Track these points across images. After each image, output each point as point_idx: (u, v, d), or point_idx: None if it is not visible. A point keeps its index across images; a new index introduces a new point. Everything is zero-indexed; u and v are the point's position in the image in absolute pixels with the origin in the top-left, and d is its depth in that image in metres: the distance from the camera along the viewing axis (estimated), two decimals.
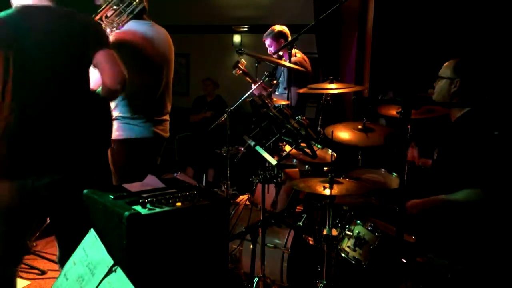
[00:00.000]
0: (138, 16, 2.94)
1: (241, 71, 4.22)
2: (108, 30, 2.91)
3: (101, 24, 2.31)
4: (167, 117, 3.10)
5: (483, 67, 2.54)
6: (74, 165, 2.26)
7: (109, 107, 2.44)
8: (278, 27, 4.43)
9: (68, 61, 2.21)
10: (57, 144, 2.21)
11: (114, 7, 2.87)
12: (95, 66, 2.23)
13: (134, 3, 2.89)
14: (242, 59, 4.24)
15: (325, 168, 3.26)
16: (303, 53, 4.52)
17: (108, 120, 2.39)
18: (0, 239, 2.30)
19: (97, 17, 2.82)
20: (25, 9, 2.22)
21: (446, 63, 2.59)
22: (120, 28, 2.90)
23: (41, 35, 2.16)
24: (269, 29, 4.45)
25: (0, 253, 2.30)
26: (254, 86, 3.82)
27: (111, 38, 2.87)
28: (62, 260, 2.39)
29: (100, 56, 2.19)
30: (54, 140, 2.20)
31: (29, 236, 2.45)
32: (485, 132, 2.42)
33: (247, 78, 4.35)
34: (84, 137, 2.28)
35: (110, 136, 2.41)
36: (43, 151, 2.20)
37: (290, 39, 4.37)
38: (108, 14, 2.90)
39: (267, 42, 4.46)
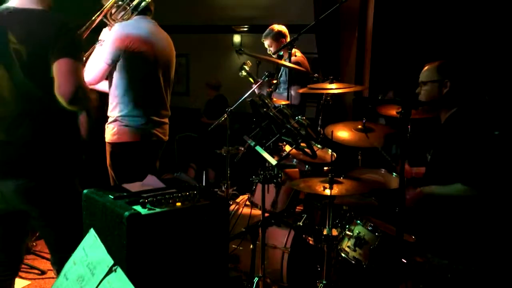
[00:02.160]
0: (141, 14, 2.94)
1: (246, 73, 4.16)
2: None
3: (78, 31, 2.24)
4: (166, 120, 3.08)
5: (471, 66, 2.58)
6: (40, 169, 2.21)
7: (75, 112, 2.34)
8: (277, 27, 4.43)
9: (39, 67, 2.14)
10: (25, 150, 2.17)
11: (119, 2, 2.87)
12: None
13: None
14: (248, 61, 4.18)
15: (325, 168, 3.26)
16: (303, 53, 4.52)
17: (74, 123, 2.34)
18: None
19: (102, 15, 2.81)
20: (7, 12, 2.18)
21: (426, 68, 2.64)
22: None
23: (18, 40, 2.12)
24: (268, 29, 4.45)
25: None
26: (254, 86, 3.82)
27: (113, 30, 2.86)
28: (55, 264, 2.39)
29: (57, 66, 2.09)
30: (21, 146, 2.17)
31: (21, 243, 2.44)
32: (475, 130, 2.43)
33: (250, 79, 4.31)
34: (50, 141, 2.22)
35: (78, 142, 2.36)
36: (10, 157, 2.18)
37: (289, 38, 4.38)
38: (113, 11, 2.90)
39: (267, 42, 4.45)
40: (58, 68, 2.09)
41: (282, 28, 4.42)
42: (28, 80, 2.14)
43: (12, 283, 2.43)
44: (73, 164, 2.32)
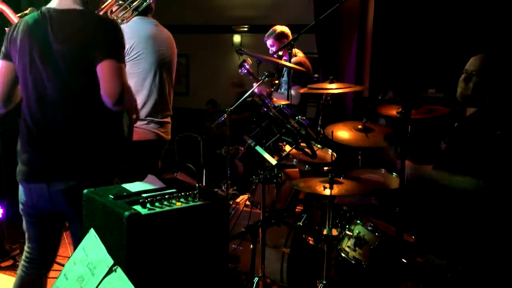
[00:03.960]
0: (143, 14, 2.94)
1: (246, 71, 4.14)
2: None
3: (120, 30, 2.21)
4: (169, 119, 3.09)
5: (508, 64, 2.44)
6: (87, 171, 2.24)
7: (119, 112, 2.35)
8: (280, 28, 4.42)
9: (82, 68, 2.14)
10: (68, 150, 2.19)
11: (120, 1, 2.86)
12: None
13: None
14: (248, 58, 4.16)
15: (325, 168, 3.26)
16: (303, 53, 4.51)
17: (119, 127, 2.35)
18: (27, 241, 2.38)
19: (102, 12, 2.81)
20: (48, 13, 2.17)
21: (474, 58, 2.42)
22: (124, 24, 2.90)
23: (60, 42, 2.12)
24: (271, 30, 4.44)
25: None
26: (255, 85, 3.82)
27: None
28: None
29: (102, 67, 2.09)
30: (65, 146, 2.19)
31: (57, 243, 2.46)
32: (498, 128, 2.37)
33: (250, 77, 4.29)
34: (96, 143, 2.24)
35: (121, 142, 2.37)
36: (53, 156, 2.19)
37: (289, 39, 4.37)
38: (113, 9, 2.90)
39: (269, 42, 4.45)
40: (103, 70, 2.09)
41: (285, 29, 4.41)
42: (73, 81, 2.14)
43: (44, 282, 2.44)
44: (113, 164, 2.34)
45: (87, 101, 2.18)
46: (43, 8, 2.20)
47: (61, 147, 2.19)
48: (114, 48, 2.15)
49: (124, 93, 2.13)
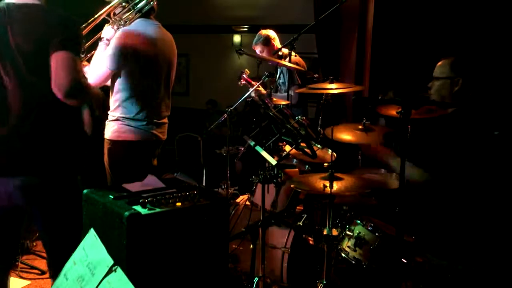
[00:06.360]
0: (146, 15, 2.94)
1: (245, 81, 4.14)
2: (115, 27, 2.91)
3: (79, 25, 2.24)
4: (166, 120, 3.10)
5: (483, 64, 2.53)
6: (48, 167, 2.21)
7: (79, 109, 2.36)
8: (264, 32, 4.43)
9: (41, 63, 2.13)
10: (29, 146, 2.16)
11: (123, 4, 2.86)
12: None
13: (144, 1, 2.89)
14: (246, 69, 4.18)
15: (325, 164, 3.26)
16: (303, 53, 4.52)
17: (78, 119, 2.34)
18: None
19: (105, 14, 2.80)
20: (7, 8, 2.16)
21: (440, 63, 2.57)
22: (127, 25, 2.90)
23: (18, 36, 2.12)
24: (257, 35, 4.45)
25: None
26: (253, 87, 3.82)
27: (117, 35, 2.86)
28: (51, 266, 2.37)
29: (55, 58, 2.09)
30: (25, 142, 2.16)
31: (16, 239, 2.42)
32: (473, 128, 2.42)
33: (249, 86, 4.29)
34: (57, 139, 2.22)
35: (81, 138, 2.36)
36: (14, 153, 2.16)
37: (277, 40, 4.38)
38: (117, 11, 2.89)
39: (258, 49, 4.45)
40: (55, 61, 2.09)
41: (269, 32, 4.42)
42: (32, 76, 2.14)
43: (7, 279, 2.42)
44: (76, 161, 2.32)
45: (46, 95, 2.15)
46: (2, 3, 2.18)
47: (17, 140, 2.15)
48: (71, 41, 2.15)
49: (75, 86, 2.10)
